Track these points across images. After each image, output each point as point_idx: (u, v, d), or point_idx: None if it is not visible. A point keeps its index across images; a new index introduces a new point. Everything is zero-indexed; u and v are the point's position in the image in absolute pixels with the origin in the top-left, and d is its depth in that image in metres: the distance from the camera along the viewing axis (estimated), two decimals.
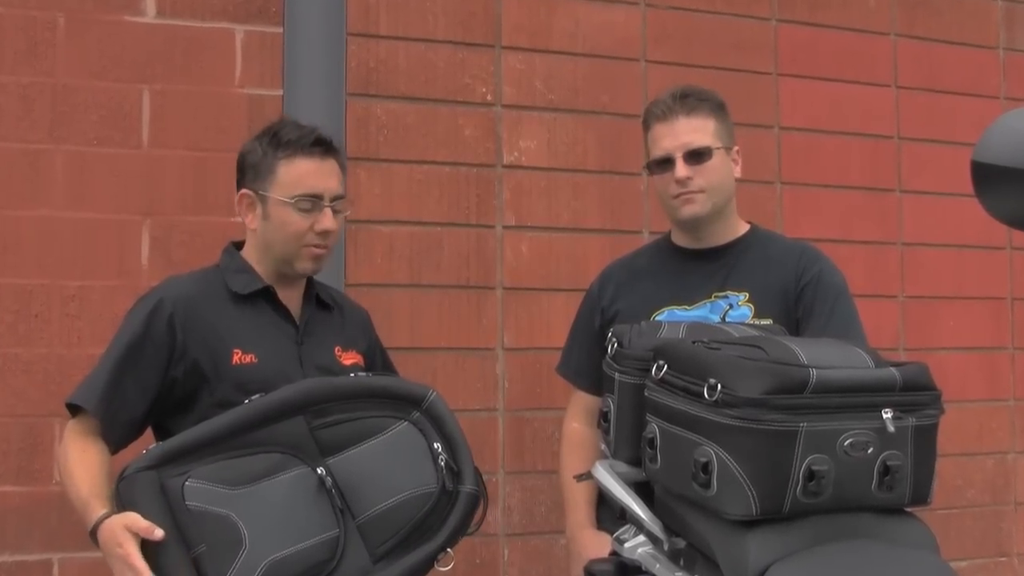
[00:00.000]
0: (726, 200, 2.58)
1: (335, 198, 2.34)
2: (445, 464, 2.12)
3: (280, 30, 3.14)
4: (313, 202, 2.31)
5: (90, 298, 2.94)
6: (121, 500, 2.03)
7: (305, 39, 3.12)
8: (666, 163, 2.55)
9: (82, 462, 2.17)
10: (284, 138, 2.33)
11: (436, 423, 2.16)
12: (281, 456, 2.08)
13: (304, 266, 2.34)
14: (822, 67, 3.77)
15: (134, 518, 1.99)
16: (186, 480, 2.02)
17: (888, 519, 1.99)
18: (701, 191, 2.53)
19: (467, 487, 2.13)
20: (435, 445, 2.13)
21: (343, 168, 2.41)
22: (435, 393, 2.19)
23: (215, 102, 3.09)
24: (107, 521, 2.02)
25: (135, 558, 1.97)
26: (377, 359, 2.55)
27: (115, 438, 2.22)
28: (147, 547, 1.98)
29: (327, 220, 2.32)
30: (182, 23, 3.07)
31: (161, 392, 2.24)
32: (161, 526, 1.98)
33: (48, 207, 2.94)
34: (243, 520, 2.00)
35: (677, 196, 2.55)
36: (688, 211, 2.56)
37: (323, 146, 2.34)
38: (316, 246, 2.32)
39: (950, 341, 3.86)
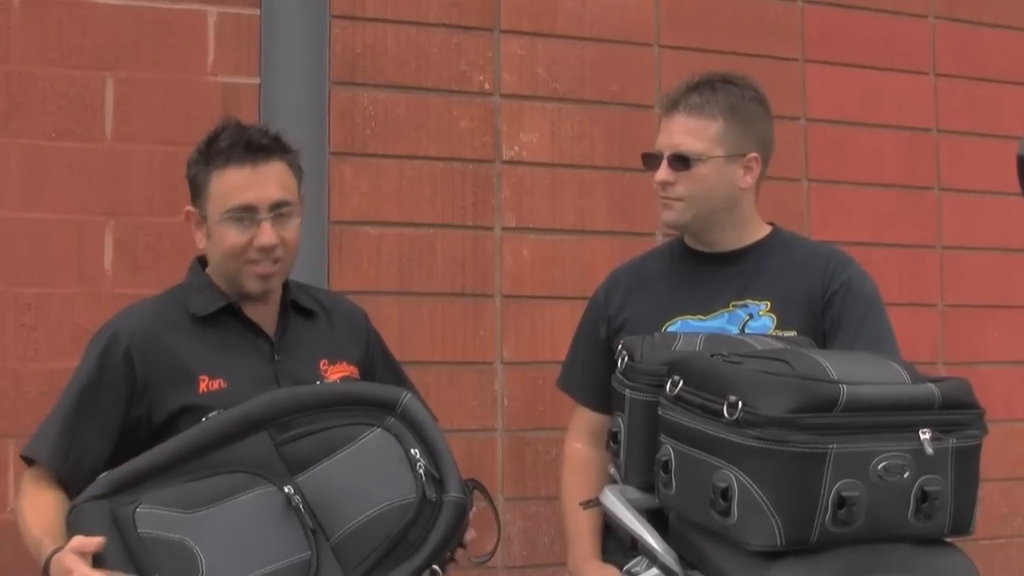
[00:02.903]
0: (713, 211, 2.57)
1: (276, 205, 2.31)
2: (424, 471, 2.10)
3: (257, 12, 3.14)
4: (246, 216, 2.30)
5: (48, 307, 2.94)
6: (71, 532, 2.05)
7: (284, 22, 3.13)
8: (656, 159, 2.58)
9: (35, 507, 2.21)
10: (216, 147, 2.33)
11: (413, 427, 2.15)
12: (245, 476, 2.07)
13: (251, 286, 2.34)
14: (853, 53, 3.78)
15: (75, 538, 2.00)
16: (137, 507, 2.03)
17: (926, 550, 1.99)
18: (680, 199, 2.55)
19: (452, 495, 2.10)
20: (412, 451, 2.11)
21: (294, 168, 2.37)
22: (409, 395, 2.19)
23: (185, 91, 3.09)
24: (56, 555, 2.03)
25: (87, 571, 1.96)
26: (377, 364, 2.55)
27: (78, 487, 2.22)
28: None
29: (265, 235, 2.29)
30: (149, 4, 3.08)
31: (125, 432, 2.27)
32: (112, 558, 1.98)
33: (2, 207, 2.94)
34: (199, 545, 2.00)
35: (660, 198, 2.59)
36: (665, 217, 2.61)
37: (255, 150, 2.31)
38: (258, 263, 2.31)
39: (994, 354, 3.86)
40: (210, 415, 2.15)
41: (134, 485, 2.07)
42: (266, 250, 2.30)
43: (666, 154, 2.56)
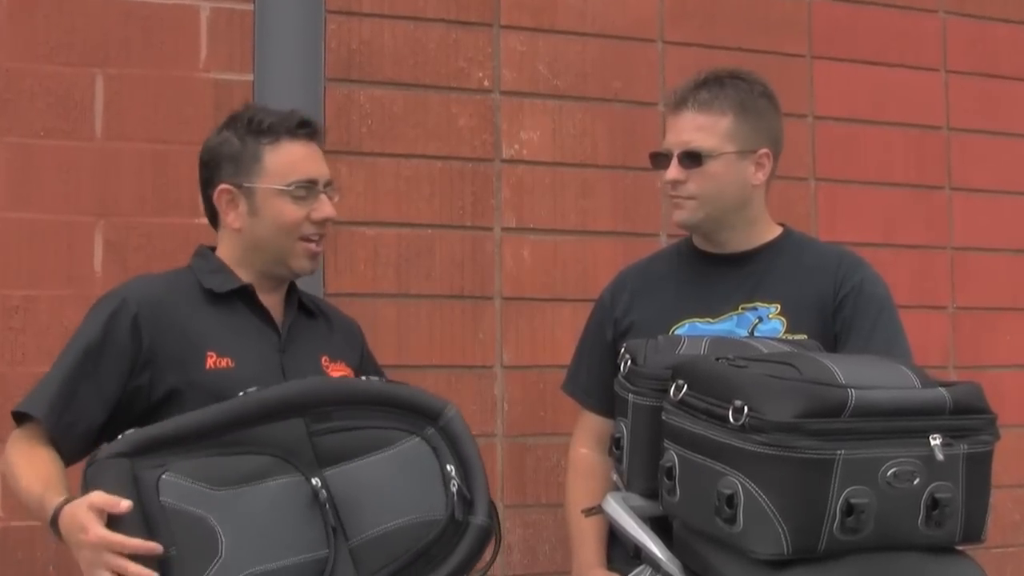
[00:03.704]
0: (726, 210, 2.57)
1: (329, 181, 2.41)
2: (457, 490, 2.11)
3: (251, 7, 3.15)
4: (309, 189, 2.36)
5: (36, 309, 2.94)
6: (87, 487, 2.02)
7: (279, 17, 3.13)
8: (665, 158, 2.58)
9: (31, 463, 2.18)
10: (264, 123, 2.37)
11: (452, 443, 2.15)
12: (272, 460, 2.07)
13: (300, 264, 2.38)
14: (862, 49, 3.78)
15: (96, 494, 1.97)
16: (162, 473, 2.01)
17: (936, 559, 1.99)
18: (691, 198, 2.55)
19: (479, 519, 2.11)
20: (448, 467, 2.12)
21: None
22: (455, 409, 2.18)
23: (177, 88, 3.09)
24: (68, 506, 2.02)
25: (104, 532, 1.94)
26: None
27: (69, 450, 2.23)
28: None
29: (327, 206, 2.38)
30: None
31: (122, 401, 2.25)
32: (128, 521, 1.96)
33: None
34: (222, 525, 1.99)
35: (671, 197, 2.60)
36: (676, 216, 2.61)
37: (308, 128, 2.40)
38: (313, 240, 2.37)
39: (1006, 358, 3.86)
40: (249, 390, 2.13)
41: (158, 449, 2.05)
42: (323, 223, 2.38)
43: (676, 152, 2.55)
